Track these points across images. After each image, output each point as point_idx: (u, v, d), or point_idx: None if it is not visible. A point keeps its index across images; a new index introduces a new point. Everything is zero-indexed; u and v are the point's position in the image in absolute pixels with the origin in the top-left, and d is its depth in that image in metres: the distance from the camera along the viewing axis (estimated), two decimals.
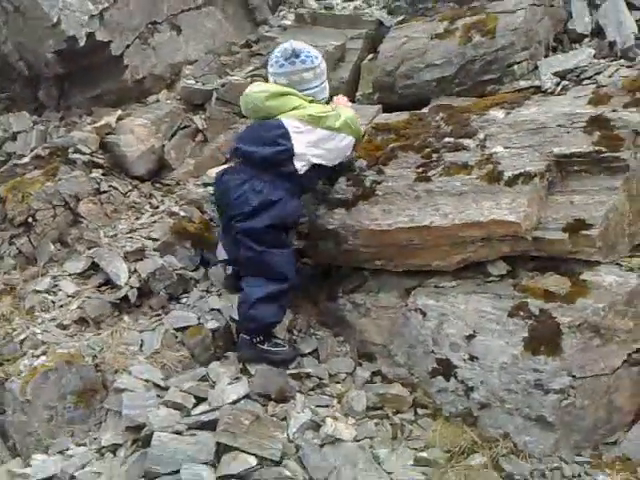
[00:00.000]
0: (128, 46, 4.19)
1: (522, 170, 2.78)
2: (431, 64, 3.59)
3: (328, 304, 3.31)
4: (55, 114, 4.38)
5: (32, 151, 3.97)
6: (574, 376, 2.56)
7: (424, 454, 2.62)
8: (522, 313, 2.67)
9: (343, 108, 3.25)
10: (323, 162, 3.09)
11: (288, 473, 2.46)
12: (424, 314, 2.91)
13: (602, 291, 2.60)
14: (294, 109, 3.04)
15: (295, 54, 3.14)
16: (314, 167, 3.08)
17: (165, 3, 4.33)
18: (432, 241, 2.91)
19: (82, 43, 3.97)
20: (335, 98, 3.40)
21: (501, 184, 2.81)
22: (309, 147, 3.02)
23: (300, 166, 3.02)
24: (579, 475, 2.51)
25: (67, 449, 2.70)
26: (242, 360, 3.01)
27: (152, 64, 4.30)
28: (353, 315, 3.19)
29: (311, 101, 3.15)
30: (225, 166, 3.52)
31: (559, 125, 2.87)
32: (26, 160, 3.85)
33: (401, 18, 4.10)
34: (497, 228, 2.74)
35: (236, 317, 3.10)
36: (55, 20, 3.90)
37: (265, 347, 3.00)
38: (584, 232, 2.63)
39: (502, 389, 2.66)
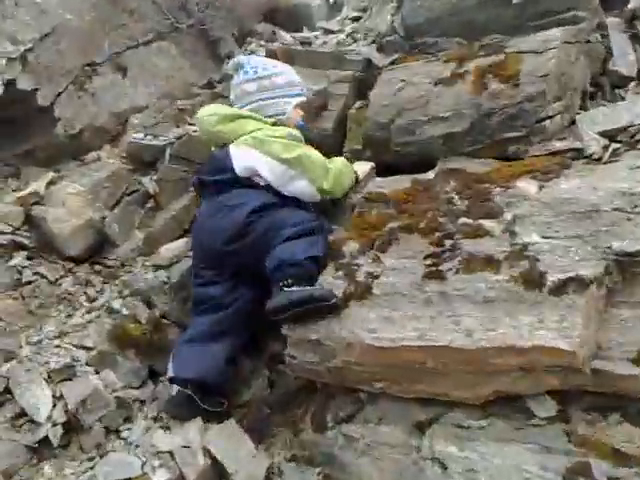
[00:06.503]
0: (59, 94, 3.39)
1: (572, 273, 2.06)
2: (436, 117, 2.85)
3: (314, 436, 2.53)
4: None
5: None
6: None
7: None
8: (582, 479, 1.95)
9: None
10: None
11: None
12: (444, 467, 2.16)
13: None
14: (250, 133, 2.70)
15: (240, 66, 2.91)
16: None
17: (106, 39, 3.53)
18: (452, 366, 2.17)
19: (0, 92, 3.18)
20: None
21: (544, 291, 2.08)
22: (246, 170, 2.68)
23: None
24: None
25: None
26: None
27: (91, 114, 3.50)
28: (347, 453, 2.41)
29: (274, 123, 2.76)
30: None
31: (616, 208, 2.17)
32: None
33: (395, 57, 3.29)
34: (542, 356, 2.00)
35: None
36: None
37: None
38: None
39: None
